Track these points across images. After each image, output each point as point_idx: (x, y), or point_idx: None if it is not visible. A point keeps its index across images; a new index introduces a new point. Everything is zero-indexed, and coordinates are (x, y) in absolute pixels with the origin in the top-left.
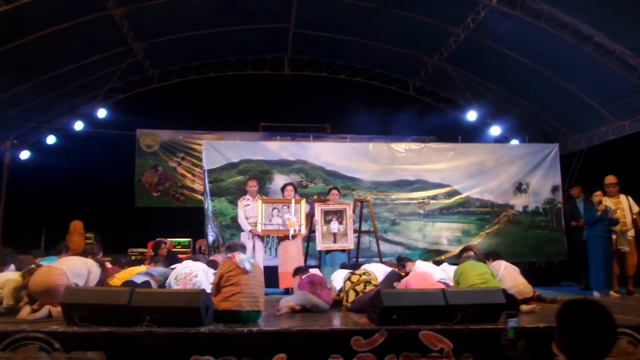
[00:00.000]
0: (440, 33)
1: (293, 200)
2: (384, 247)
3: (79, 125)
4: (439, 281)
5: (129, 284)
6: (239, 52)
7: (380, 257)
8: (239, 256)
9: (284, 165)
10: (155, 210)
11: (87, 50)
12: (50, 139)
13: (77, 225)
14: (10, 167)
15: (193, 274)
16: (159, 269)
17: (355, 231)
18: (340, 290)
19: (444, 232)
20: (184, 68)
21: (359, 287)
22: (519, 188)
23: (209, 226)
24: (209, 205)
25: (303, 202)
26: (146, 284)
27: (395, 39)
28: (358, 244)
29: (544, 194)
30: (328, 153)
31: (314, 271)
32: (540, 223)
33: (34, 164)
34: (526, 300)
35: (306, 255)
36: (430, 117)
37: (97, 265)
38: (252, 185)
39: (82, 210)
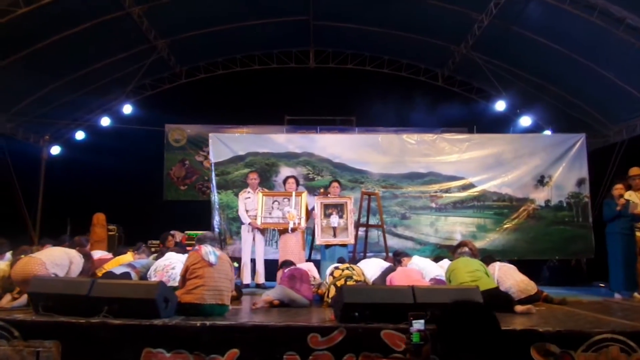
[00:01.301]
0: (464, 20)
1: (294, 193)
2: (394, 241)
3: (105, 121)
4: (434, 278)
5: (108, 275)
6: (263, 46)
7: (386, 252)
8: (205, 248)
9: (290, 158)
10: (182, 204)
11: (112, 48)
12: (80, 135)
13: (99, 218)
14: (45, 162)
15: (171, 266)
16: (142, 260)
17: (362, 225)
18: None
19: (458, 227)
20: (210, 64)
21: (340, 283)
22: (541, 181)
23: (216, 219)
24: (215, 198)
25: (304, 195)
26: (126, 275)
27: (419, 27)
28: (365, 238)
29: (568, 188)
30: (335, 145)
31: (305, 265)
32: (564, 218)
33: (65, 159)
34: (529, 299)
35: (311, 248)
36: (460, 108)
37: (80, 256)
38: (253, 177)
39: (111, 204)
